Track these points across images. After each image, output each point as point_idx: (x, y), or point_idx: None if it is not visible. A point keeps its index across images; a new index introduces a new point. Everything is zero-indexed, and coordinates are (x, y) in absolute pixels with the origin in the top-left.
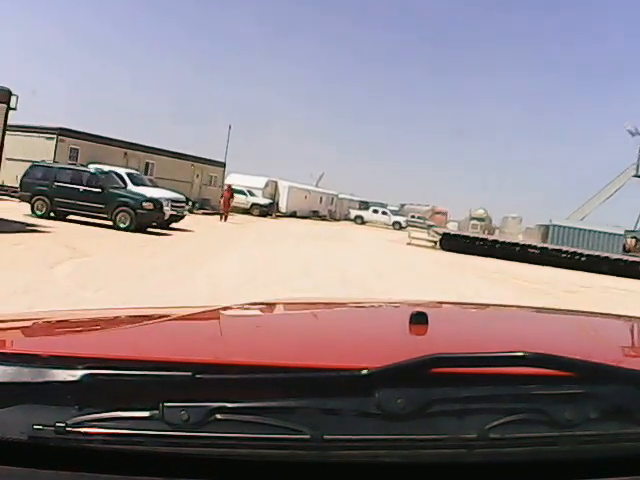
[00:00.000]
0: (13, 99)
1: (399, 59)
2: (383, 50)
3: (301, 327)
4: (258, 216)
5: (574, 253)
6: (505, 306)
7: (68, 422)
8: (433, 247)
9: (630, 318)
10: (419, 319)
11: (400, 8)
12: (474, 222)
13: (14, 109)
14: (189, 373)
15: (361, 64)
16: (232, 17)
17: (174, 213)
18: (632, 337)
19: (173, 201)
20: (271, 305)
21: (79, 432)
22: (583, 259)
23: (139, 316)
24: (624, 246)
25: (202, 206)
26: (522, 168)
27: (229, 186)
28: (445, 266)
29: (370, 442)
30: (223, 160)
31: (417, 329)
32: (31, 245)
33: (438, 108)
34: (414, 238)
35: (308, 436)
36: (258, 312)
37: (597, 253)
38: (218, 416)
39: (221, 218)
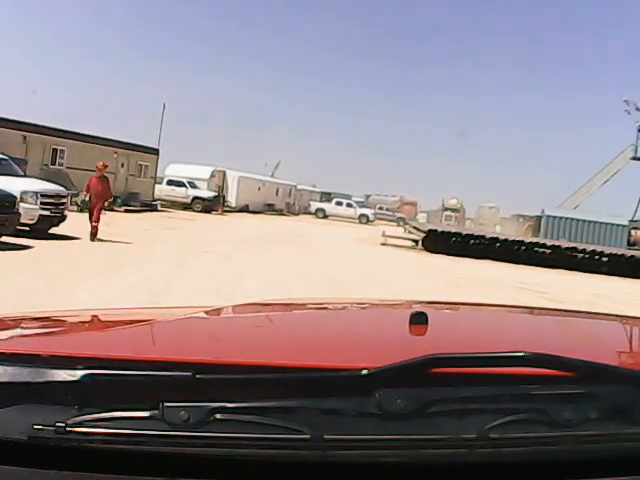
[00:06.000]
0: None
1: (358, 46)
2: (340, 38)
3: (301, 327)
4: (201, 212)
5: (593, 252)
6: (505, 306)
7: (68, 422)
8: (414, 247)
9: (630, 318)
10: (419, 319)
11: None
12: (447, 213)
13: None
14: (189, 373)
15: (320, 50)
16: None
17: (46, 214)
18: (632, 337)
19: (44, 196)
20: (271, 305)
21: (79, 432)
22: (605, 259)
23: (139, 316)
24: (628, 239)
25: (127, 202)
26: (496, 156)
27: (101, 165)
28: (448, 281)
29: (370, 442)
30: (156, 146)
31: (417, 329)
32: None
33: (403, 95)
34: (389, 237)
35: (308, 436)
36: (258, 312)
37: (621, 252)
38: (218, 416)
39: (91, 232)
